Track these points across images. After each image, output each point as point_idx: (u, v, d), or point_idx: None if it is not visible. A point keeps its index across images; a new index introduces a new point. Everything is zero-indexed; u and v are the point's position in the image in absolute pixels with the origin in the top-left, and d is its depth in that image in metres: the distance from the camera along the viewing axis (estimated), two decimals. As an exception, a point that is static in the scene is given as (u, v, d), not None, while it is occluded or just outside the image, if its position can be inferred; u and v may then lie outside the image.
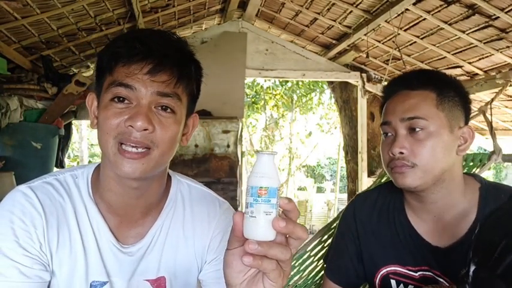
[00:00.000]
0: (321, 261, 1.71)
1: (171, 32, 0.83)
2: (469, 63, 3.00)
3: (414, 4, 2.60)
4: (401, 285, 1.06)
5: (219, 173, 3.50)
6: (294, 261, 1.73)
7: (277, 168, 0.62)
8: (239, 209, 3.64)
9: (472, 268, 0.68)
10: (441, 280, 0.99)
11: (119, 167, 0.75)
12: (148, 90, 0.74)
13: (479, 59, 2.89)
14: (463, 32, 2.65)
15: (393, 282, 1.07)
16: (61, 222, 0.81)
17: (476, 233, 0.72)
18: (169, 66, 0.76)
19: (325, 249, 1.72)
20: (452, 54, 3.00)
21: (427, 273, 1.02)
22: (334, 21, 3.36)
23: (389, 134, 1.02)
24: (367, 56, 3.63)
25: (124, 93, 0.74)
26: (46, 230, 0.79)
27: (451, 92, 0.99)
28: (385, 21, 2.90)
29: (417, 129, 0.96)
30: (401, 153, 0.96)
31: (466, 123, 1.02)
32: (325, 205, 11.91)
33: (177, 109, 0.78)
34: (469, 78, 3.16)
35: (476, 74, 3.07)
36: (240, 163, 3.63)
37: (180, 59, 0.78)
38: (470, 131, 1.00)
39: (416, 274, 1.04)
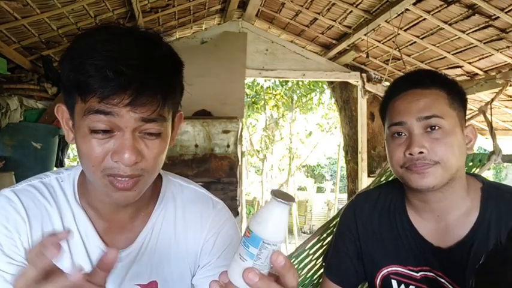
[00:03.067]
0: (320, 260, 1.71)
1: (146, 36, 0.72)
2: (469, 63, 3.00)
3: (414, 4, 2.59)
4: (403, 285, 1.06)
5: (219, 173, 3.50)
6: (293, 259, 1.73)
7: (283, 222, 0.54)
8: (239, 209, 3.63)
9: None
10: (442, 280, 0.99)
11: (111, 197, 0.72)
12: (131, 116, 0.67)
13: (479, 59, 2.88)
14: (463, 32, 2.65)
15: (394, 282, 1.07)
16: (46, 227, 0.79)
17: (481, 263, 0.72)
18: (151, 93, 0.67)
19: (323, 248, 1.72)
20: (452, 54, 2.99)
21: (428, 273, 1.02)
22: (334, 21, 3.36)
23: (402, 134, 0.99)
24: (367, 56, 3.63)
25: (104, 121, 0.67)
26: (30, 236, 0.77)
27: (456, 92, 1.01)
28: (385, 21, 2.90)
29: (435, 128, 0.95)
30: (421, 152, 0.94)
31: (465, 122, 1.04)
32: (325, 205, 11.91)
33: (163, 129, 0.72)
34: (469, 78, 3.16)
35: (476, 74, 3.07)
36: (240, 163, 3.63)
37: (163, 81, 0.69)
38: (473, 129, 1.02)
39: (418, 274, 1.03)
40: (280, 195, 0.54)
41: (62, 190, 0.82)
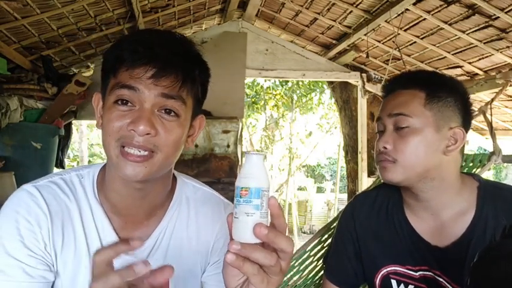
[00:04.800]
0: (321, 261, 1.71)
1: (177, 33, 0.81)
2: (469, 63, 3.00)
3: (414, 4, 2.59)
4: (402, 285, 1.06)
5: (219, 173, 3.50)
6: (294, 261, 1.73)
7: (265, 169, 0.61)
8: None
9: None
10: (441, 279, 0.99)
11: (122, 169, 0.74)
12: (151, 92, 0.73)
13: (479, 59, 2.88)
14: (463, 32, 2.65)
15: (393, 282, 1.07)
16: (66, 222, 0.81)
17: (475, 260, 0.73)
18: (173, 70, 0.74)
19: (324, 249, 1.72)
20: (452, 54, 3.00)
21: (427, 273, 1.02)
22: (334, 21, 3.36)
23: (380, 130, 1.05)
24: (367, 56, 3.63)
25: (127, 95, 0.74)
26: (51, 230, 0.79)
27: (443, 93, 1.00)
28: (385, 21, 2.90)
29: (402, 126, 0.99)
30: (385, 148, 1.00)
31: (465, 123, 1.03)
32: (325, 205, 11.93)
33: (181, 112, 0.76)
34: (469, 78, 3.16)
35: (476, 74, 3.07)
36: (240, 163, 3.63)
37: (184, 63, 0.76)
38: (461, 132, 1.00)
39: (417, 274, 1.04)
40: (253, 151, 0.59)
41: (82, 187, 0.85)
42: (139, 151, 0.74)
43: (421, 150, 0.97)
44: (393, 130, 1.01)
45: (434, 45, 2.99)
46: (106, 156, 0.79)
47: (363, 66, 4.07)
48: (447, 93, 1.01)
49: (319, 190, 14.25)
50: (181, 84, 0.75)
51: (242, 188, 0.58)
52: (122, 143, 0.74)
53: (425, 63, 3.34)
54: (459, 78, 3.25)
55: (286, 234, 0.62)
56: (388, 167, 1.00)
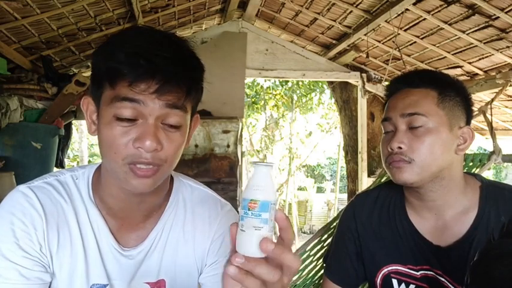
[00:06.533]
0: (320, 260, 1.71)
1: (175, 37, 0.77)
2: (469, 63, 3.00)
3: (414, 4, 2.59)
4: (403, 284, 1.06)
5: (219, 173, 3.50)
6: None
7: (273, 181, 0.59)
8: (239, 209, 3.63)
9: None
10: (442, 279, 0.99)
11: (130, 183, 0.74)
12: (156, 104, 0.71)
13: (479, 59, 2.88)
14: (463, 32, 2.65)
15: (395, 281, 1.07)
16: (61, 223, 0.80)
17: (475, 260, 0.73)
18: (176, 83, 0.72)
19: (324, 249, 1.72)
20: (452, 54, 2.99)
21: (428, 272, 1.02)
22: (334, 21, 3.36)
23: (389, 130, 1.03)
24: (367, 56, 3.63)
25: (129, 108, 0.70)
26: (46, 231, 0.78)
27: (453, 92, 1.00)
28: (385, 21, 2.90)
29: (417, 126, 0.97)
30: (400, 148, 0.98)
31: (468, 123, 1.03)
32: (325, 205, 11.91)
33: (183, 122, 0.76)
34: (469, 78, 3.16)
35: (476, 74, 3.07)
36: (240, 163, 3.63)
37: (188, 74, 0.74)
38: (470, 131, 1.01)
39: (418, 273, 1.04)
40: (262, 162, 0.59)
41: (76, 188, 0.84)
42: (148, 166, 0.73)
43: (438, 150, 0.96)
44: (406, 130, 0.99)
45: (434, 45, 2.99)
46: (107, 166, 0.78)
47: (363, 66, 4.07)
48: (455, 92, 1.01)
49: (319, 190, 14.23)
50: (186, 96, 0.74)
51: (252, 200, 0.57)
52: (130, 162, 0.72)
53: (425, 63, 3.34)
54: (459, 78, 3.25)
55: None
56: (403, 167, 0.97)
